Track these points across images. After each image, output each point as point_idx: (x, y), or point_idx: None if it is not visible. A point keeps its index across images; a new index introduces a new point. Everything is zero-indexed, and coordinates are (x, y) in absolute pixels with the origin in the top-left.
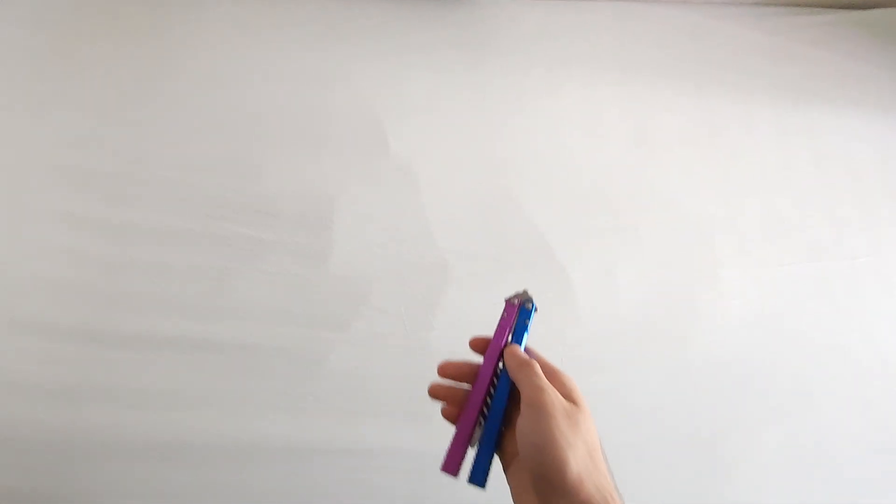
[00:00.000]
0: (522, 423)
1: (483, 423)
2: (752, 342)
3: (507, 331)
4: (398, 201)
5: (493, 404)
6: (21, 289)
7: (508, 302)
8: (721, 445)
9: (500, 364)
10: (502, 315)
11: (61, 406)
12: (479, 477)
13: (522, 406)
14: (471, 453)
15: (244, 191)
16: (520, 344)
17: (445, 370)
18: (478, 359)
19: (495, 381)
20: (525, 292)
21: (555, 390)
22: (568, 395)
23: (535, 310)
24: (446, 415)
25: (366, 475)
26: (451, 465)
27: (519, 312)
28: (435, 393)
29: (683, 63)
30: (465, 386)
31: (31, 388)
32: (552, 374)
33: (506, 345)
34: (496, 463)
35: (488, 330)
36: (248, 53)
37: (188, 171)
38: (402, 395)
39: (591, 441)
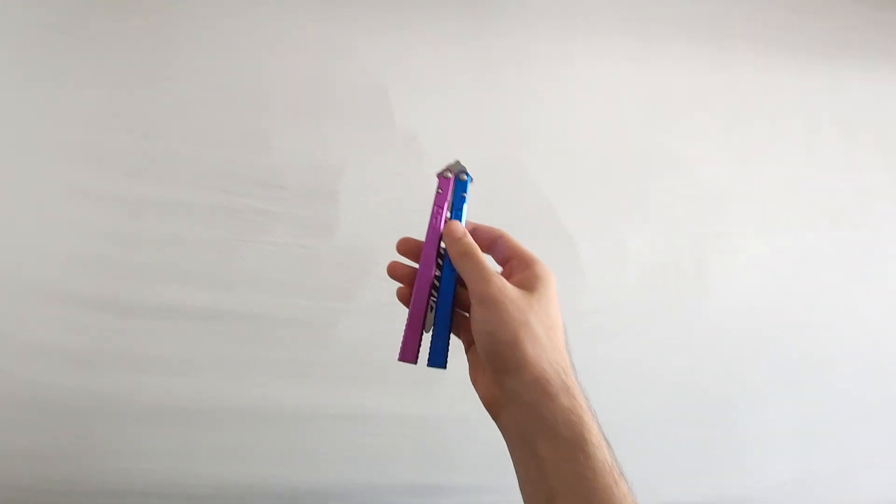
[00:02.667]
0: (474, 313)
1: (434, 306)
2: (764, 313)
3: (445, 208)
4: (404, 172)
5: (442, 286)
6: (44, 261)
7: (441, 175)
8: (730, 416)
9: (443, 244)
10: (437, 191)
11: (82, 371)
12: (437, 359)
13: (471, 298)
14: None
15: (252, 163)
16: (460, 220)
17: (405, 245)
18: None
19: (440, 261)
20: (458, 163)
21: (501, 278)
22: (523, 281)
23: (471, 180)
24: (401, 296)
25: (370, 440)
26: (408, 353)
27: (455, 186)
28: (393, 272)
29: (702, 18)
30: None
31: (54, 354)
32: (511, 252)
33: (445, 223)
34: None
35: None
36: (254, 24)
37: (197, 144)
38: (406, 364)
39: (549, 321)
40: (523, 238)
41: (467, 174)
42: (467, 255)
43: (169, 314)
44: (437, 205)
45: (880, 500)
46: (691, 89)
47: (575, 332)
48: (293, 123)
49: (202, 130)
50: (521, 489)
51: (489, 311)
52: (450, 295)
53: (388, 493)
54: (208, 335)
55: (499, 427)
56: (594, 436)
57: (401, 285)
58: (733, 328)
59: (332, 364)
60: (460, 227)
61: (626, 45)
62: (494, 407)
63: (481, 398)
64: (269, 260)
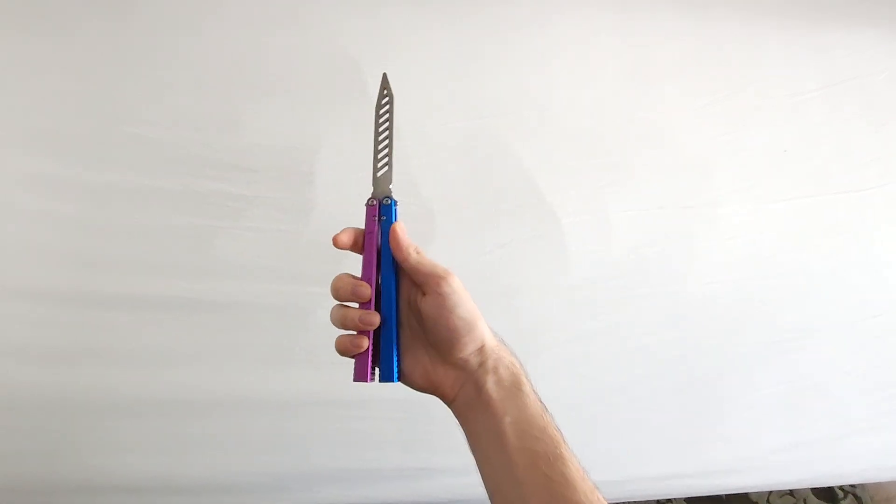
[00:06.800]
0: (436, 301)
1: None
2: (750, 281)
3: (376, 233)
4: None
5: (385, 298)
6: (10, 256)
7: (368, 204)
8: (717, 387)
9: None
10: (366, 223)
11: (56, 368)
12: (389, 373)
13: (430, 289)
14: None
15: (222, 146)
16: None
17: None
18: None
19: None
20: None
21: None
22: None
23: (396, 203)
24: (344, 348)
25: (355, 425)
26: (362, 374)
27: (380, 210)
28: (339, 289)
29: None
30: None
31: (25, 353)
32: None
33: (380, 251)
34: None
35: (478, 282)
36: (218, 1)
37: (163, 128)
38: None
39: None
40: (506, 215)
41: (392, 199)
42: (420, 251)
43: (144, 306)
44: (369, 233)
45: (868, 468)
46: (674, 57)
47: (561, 308)
48: (263, 102)
49: (168, 113)
50: (474, 439)
51: (456, 295)
52: (394, 306)
53: (376, 477)
54: (186, 326)
55: (453, 402)
56: (525, 378)
57: (343, 334)
58: (720, 299)
59: (314, 350)
60: (402, 227)
61: (608, 12)
62: (448, 388)
63: (428, 386)
64: (246, 246)
